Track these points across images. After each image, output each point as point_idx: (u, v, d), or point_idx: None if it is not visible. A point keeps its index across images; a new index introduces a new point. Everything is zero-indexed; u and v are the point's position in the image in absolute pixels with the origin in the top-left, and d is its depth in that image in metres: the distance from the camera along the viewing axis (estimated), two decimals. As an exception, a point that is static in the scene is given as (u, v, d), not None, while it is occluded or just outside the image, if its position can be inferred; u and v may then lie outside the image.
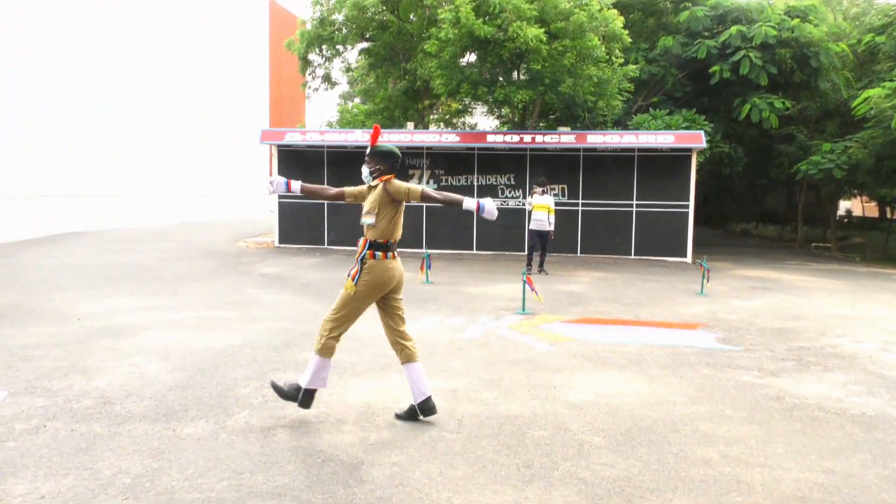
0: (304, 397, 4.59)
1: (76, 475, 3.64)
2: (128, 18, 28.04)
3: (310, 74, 20.82)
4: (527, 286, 8.85)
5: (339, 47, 19.83)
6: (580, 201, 16.09)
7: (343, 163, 16.56)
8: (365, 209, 4.66)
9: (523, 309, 8.89)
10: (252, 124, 36.59)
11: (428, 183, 16.50)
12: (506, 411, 4.88)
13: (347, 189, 4.91)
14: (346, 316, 4.56)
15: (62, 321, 7.64)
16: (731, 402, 5.20)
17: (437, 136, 16.62)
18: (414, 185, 4.58)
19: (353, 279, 4.49)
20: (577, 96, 16.00)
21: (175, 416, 4.60)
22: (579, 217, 16.13)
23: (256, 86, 39.53)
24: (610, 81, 16.18)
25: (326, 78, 21.04)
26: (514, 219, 15.94)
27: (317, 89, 21.20)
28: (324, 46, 19.72)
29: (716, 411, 4.98)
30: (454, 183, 16.43)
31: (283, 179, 4.85)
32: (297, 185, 4.87)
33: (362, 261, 4.51)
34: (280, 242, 17.24)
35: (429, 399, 4.61)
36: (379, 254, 4.52)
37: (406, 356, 4.65)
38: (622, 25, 15.74)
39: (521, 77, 16.67)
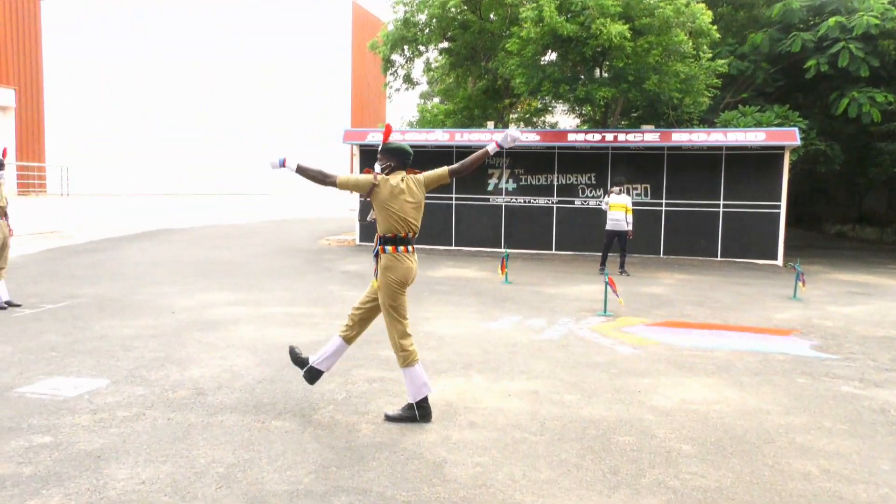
0: (419, 410, 4.55)
1: (173, 462, 3.79)
2: (216, 22, 29.18)
3: (392, 75, 21.09)
4: (608, 288, 8.68)
5: (421, 47, 20.00)
6: (664, 201, 15.66)
7: (424, 162, 16.59)
8: (410, 206, 4.65)
9: (605, 311, 8.73)
10: (334, 125, 37.43)
11: (507, 182, 16.44)
12: (589, 415, 4.79)
13: (341, 177, 4.85)
14: (397, 315, 4.65)
15: (158, 314, 8.00)
16: (829, 414, 4.94)
17: (516, 136, 16.50)
18: (439, 169, 4.72)
19: (375, 276, 4.63)
20: (662, 93, 15.56)
21: (264, 409, 4.74)
22: (663, 217, 15.71)
23: (339, 87, 40.39)
24: (697, 78, 15.65)
25: (407, 78, 21.26)
26: (594, 219, 15.67)
27: (398, 89, 21.45)
28: (406, 47, 19.93)
29: (813, 423, 4.74)
30: (533, 182, 16.30)
31: (278, 157, 4.73)
32: (292, 163, 4.74)
33: (377, 255, 4.64)
34: (360, 240, 17.53)
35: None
36: (401, 248, 4.60)
37: (349, 338, 4.80)
38: (710, 20, 15.21)
39: (604, 74, 16.36)
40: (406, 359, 4.56)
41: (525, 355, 6.48)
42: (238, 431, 4.30)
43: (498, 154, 16.40)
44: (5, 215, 8.31)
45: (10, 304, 8.18)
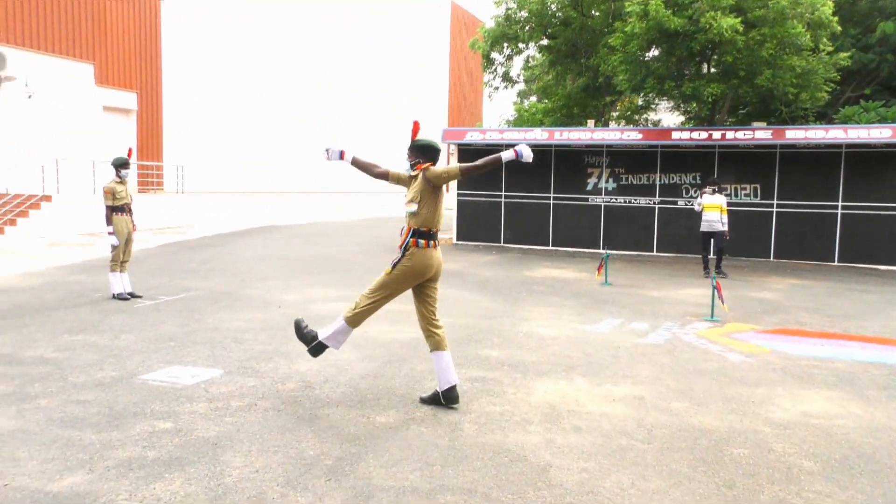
0: (316, 347, 4.90)
1: (284, 453, 3.91)
2: (320, 22, 30.02)
3: (491, 73, 21.08)
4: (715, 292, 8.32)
5: (521, 45, 19.88)
6: (775, 202, 14.88)
7: (521, 163, 16.56)
8: (408, 198, 4.78)
9: (712, 315, 8.37)
10: (432, 124, 37.84)
11: (607, 182, 16.09)
12: (700, 424, 4.59)
13: (392, 170, 5.07)
14: (382, 298, 4.77)
15: (266, 308, 8.31)
16: (971, 435, 4.52)
17: (618, 134, 16.12)
18: (451, 165, 4.73)
19: (392, 265, 4.69)
20: (776, 89, 14.79)
21: (368, 404, 4.81)
22: (773, 219, 14.93)
23: (436, 86, 40.78)
24: (815, 72, 14.78)
25: (506, 76, 21.18)
26: (699, 220, 15.10)
27: (497, 88, 21.41)
28: (506, 44, 19.86)
29: (952, 444, 4.36)
30: (634, 182, 15.88)
31: (338, 148, 5.13)
32: (349, 156, 5.12)
33: (405, 248, 4.67)
34: (458, 240, 17.62)
35: (453, 388, 4.75)
36: (422, 241, 4.66)
37: (435, 343, 4.76)
38: (831, 11, 14.31)
39: (712, 70, 15.72)
40: (353, 318, 4.78)
41: (628, 359, 6.30)
42: (344, 425, 4.39)
43: (597, 153, 16.09)
44: (130, 212, 8.86)
45: (132, 295, 8.72)
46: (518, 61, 21.83)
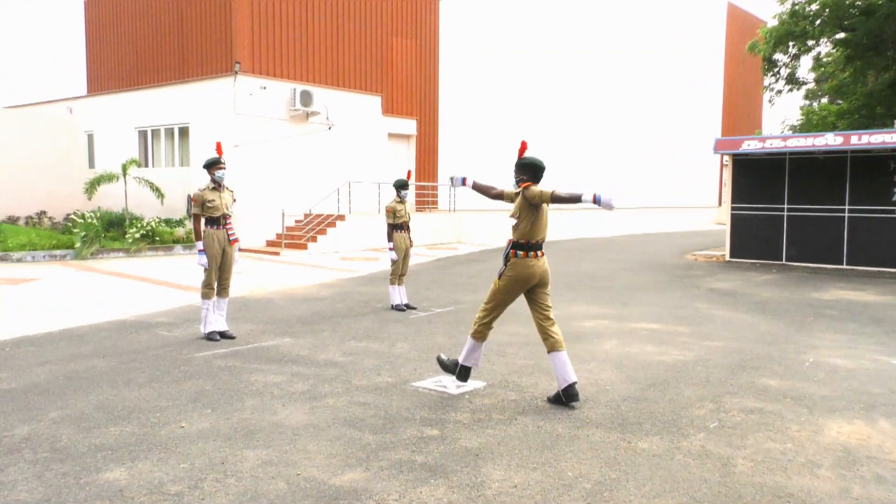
0: (461, 372, 5.42)
1: (542, 471, 3.89)
2: (589, 41, 30.05)
3: (772, 76, 19.32)
4: None
5: (810, 42, 17.92)
6: None
7: (808, 171, 14.90)
8: (511, 213, 5.22)
9: None
10: (703, 133, 35.69)
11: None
12: None
13: (506, 190, 5.46)
14: (494, 306, 5.27)
15: (528, 323, 8.38)
16: None
17: (934, 134, 13.75)
18: (546, 189, 4.99)
19: (498, 276, 5.18)
20: None
21: (629, 428, 4.61)
22: None
23: (710, 93, 38.44)
24: None
25: (791, 78, 19.24)
26: None
27: (779, 91, 19.54)
28: (791, 43, 18.06)
29: None
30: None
31: (461, 175, 5.71)
32: (470, 182, 5.65)
33: (506, 258, 5.16)
34: (731, 256, 16.36)
35: (573, 385, 5.02)
36: (520, 252, 5.09)
37: (551, 345, 5.12)
38: None
39: None
40: (476, 332, 5.31)
41: (950, 402, 5.26)
42: (604, 448, 4.25)
43: None
44: (407, 229, 9.61)
45: (408, 306, 9.42)
46: (806, 61, 19.73)
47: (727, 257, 16.46)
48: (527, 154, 5.28)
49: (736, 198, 16.23)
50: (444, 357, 5.65)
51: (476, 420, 4.75)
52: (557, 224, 27.87)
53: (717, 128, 38.73)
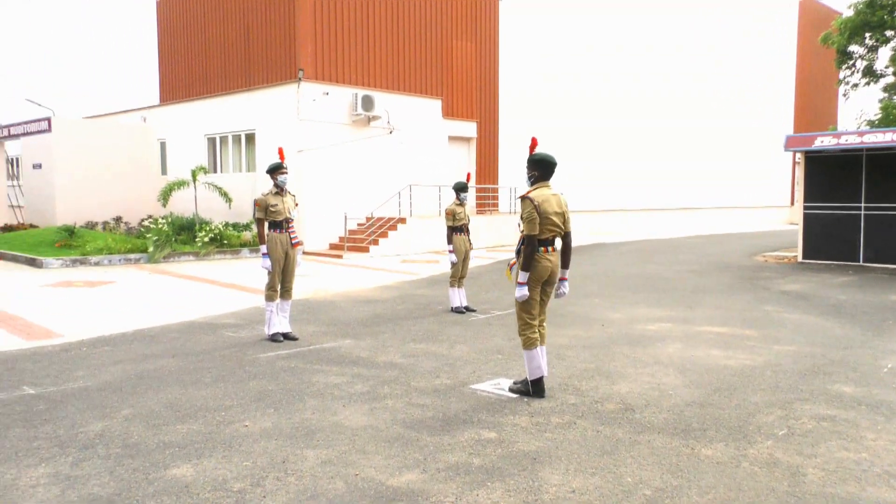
0: (533, 387, 5.30)
1: (601, 476, 3.82)
2: (655, 42, 29.42)
3: (848, 69, 18.50)
4: None
5: (889, 33, 17.09)
6: None
7: (887, 168, 14.20)
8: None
9: None
10: (775, 130, 34.48)
11: None
12: None
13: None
14: (523, 308, 5.29)
15: (589, 325, 8.32)
16: None
17: None
18: (533, 214, 5.12)
19: (509, 266, 5.36)
20: None
21: (693, 434, 4.49)
22: None
23: (781, 88, 37.09)
24: None
25: (868, 70, 18.38)
26: None
27: (856, 85, 18.71)
28: (868, 34, 17.26)
29: None
30: None
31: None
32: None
33: (518, 252, 5.26)
34: (804, 258, 15.75)
35: (541, 380, 5.29)
36: (541, 249, 5.19)
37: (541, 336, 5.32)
38: None
39: None
40: (524, 344, 5.28)
41: None
42: (665, 454, 4.14)
43: None
44: (467, 231, 9.61)
45: (468, 309, 9.42)
46: (884, 52, 18.81)
47: (800, 258, 15.85)
48: (538, 150, 5.30)
49: (809, 196, 15.62)
50: (513, 384, 5.48)
51: (534, 424, 4.71)
52: (619, 225, 27.41)
53: (789, 124, 37.34)
